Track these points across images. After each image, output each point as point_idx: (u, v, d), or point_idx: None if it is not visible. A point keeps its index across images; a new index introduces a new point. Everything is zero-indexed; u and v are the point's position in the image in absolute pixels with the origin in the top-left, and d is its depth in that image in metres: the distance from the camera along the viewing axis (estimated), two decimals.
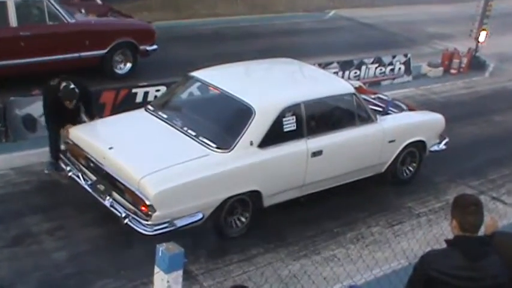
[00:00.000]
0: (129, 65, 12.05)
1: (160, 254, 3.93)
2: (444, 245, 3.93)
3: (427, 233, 7.33)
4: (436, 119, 9.16)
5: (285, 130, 7.17)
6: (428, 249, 4.06)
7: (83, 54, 11.28)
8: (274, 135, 7.09)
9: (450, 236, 3.95)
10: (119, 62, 11.94)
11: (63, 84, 7.56)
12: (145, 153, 6.85)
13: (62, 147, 7.69)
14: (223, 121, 7.40)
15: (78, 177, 7.20)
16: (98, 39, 11.46)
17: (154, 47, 12.22)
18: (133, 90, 10.08)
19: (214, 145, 6.88)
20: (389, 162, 8.49)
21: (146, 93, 10.11)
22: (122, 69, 12.05)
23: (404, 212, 8.31)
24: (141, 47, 11.97)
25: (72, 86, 7.55)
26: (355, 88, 8.36)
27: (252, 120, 6.94)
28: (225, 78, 7.93)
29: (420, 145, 8.78)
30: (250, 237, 7.17)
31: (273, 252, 7.02)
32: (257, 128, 6.98)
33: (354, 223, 7.87)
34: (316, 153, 7.42)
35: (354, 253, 7.13)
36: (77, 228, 7.09)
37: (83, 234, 6.99)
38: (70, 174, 7.28)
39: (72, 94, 7.59)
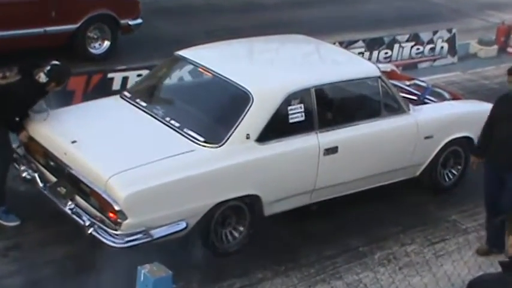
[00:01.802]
0: (106, 43, 12.17)
1: (142, 279, 3.93)
2: (499, 269, 3.91)
3: None
4: (487, 110, 9.00)
5: (291, 121, 7.20)
6: (479, 274, 4.05)
7: (48, 29, 11.34)
8: (277, 128, 7.13)
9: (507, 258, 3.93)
10: (94, 39, 12.04)
11: (51, 64, 7.47)
12: (116, 148, 6.91)
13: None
14: (214, 109, 7.46)
15: (34, 178, 7.23)
16: (67, 11, 11.48)
17: (139, 21, 12.35)
18: (109, 75, 10.15)
19: (201, 138, 6.92)
20: (426, 163, 8.52)
21: (125, 79, 10.17)
22: (97, 49, 12.14)
23: (448, 226, 8.34)
24: (122, 22, 12.08)
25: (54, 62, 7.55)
26: (386, 72, 8.37)
27: (249, 108, 6.98)
28: (217, 58, 8.01)
29: (466, 143, 8.80)
30: (255, 257, 7.20)
31: (283, 276, 7.04)
32: (255, 118, 7.02)
33: (383, 240, 7.89)
34: (330, 151, 7.44)
35: (385, 278, 7.15)
36: (37, 246, 7.10)
37: (44, 254, 6.99)
38: (25, 175, 7.31)
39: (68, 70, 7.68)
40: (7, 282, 6.63)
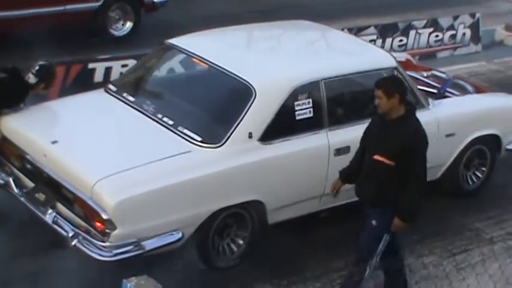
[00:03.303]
0: (129, 24, 12.69)
1: None
2: None
3: (505, 265, 7.37)
4: None
5: (298, 118, 7.24)
6: None
7: (68, 7, 11.82)
8: (282, 126, 7.18)
9: None
10: (116, 19, 12.58)
11: (40, 65, 7.61)
12: (103, 150, 6.92)
13: None
14: (211, 105, 7.49)
15: (8, 183, 7.23)
16: None
17: None
18: (90, 66, 10.23)
19: (198, 138, 6.95)
20: (448, 164, 8.59)
21: (108, 70, 10.28)
22: (119, 30, 12.67)
23: (471, 235, 8.40)
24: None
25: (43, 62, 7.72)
26: (401, 62, 8.41)
27: (252, 104, 7.02)
28: (215, 47, 8.04)
29: (492, 141, 8.88)
30: (254, 269, 7.21)
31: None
32: (258, 114, 7.06)
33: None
34: (341, 151, 7.48)
35: None
36: (8, 259, 7.03)
37: (17, 269, 6.97)
38: None
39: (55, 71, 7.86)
40: None
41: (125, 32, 12.63)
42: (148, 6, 12.60)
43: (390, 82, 6.65)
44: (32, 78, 7.52)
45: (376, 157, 6.39)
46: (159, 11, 12.93)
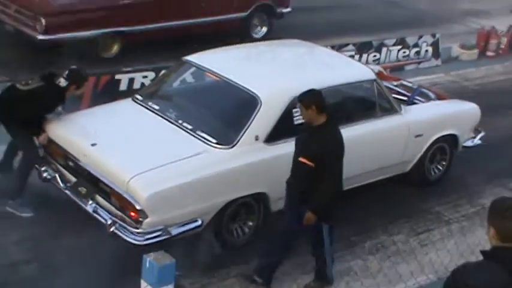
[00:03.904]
0: (264, 29, 13.99)
1: (147, 266, 3.87)
2: (481, 257, 3.89)
3: (460, 242, 7.39)
4: (470, 109, 9.23)
5: (296, 123, 7.23)
6: (461, 262, 4.07)
7: (229, 16, 13.23)
8: (283, 129, 7.15)
9: (487, 247, 3.91)
10: (256, 25, 13.85)
11: (69, 69, 7.55)
12: (135, 150, 6.90)
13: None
14: (224, 113, 7.49)
15: (54, 178, 7.23)
16: (243, 0, 13.37)
17: (289, 9, 14.13)
18: (117, 77, 10.16)
19: (214, 140, 6.96)
20: (415, 160, 8.58)
21: (131, 80, 10.19)
22: (258, 33, 13.91)
23: (432, 218, 8.39)
24: (278, 10, 13.89)
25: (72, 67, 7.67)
26: (376, 74, 8.41)
27: (258, 111, 7.04)
28: (225, 63, 8.00)
29: (451, 140, 8.88)
30: (254, 247, 7.18)
31: (283, 264, 6.99)
32: (263, 120, 7.08)
33: (373, 230, 7.94)
34: None
35: (374, 265, 7.21)
36: (50, 237, 7.10)
37: (57, 245, 6.98)
38: (45, 175, 7.29)
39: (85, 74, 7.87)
40: (22, 268, 6.68)
41: (262, 35, 13.85)
42: (278, 15, 13.91)
43: (307, 96, 6.38)
44: (62, 82, 7.46)
45: (300, 159, 6.29)
46: (286, 18, 14.19)
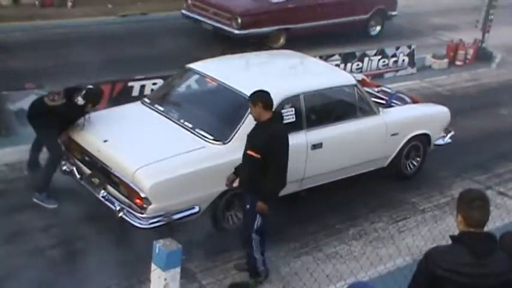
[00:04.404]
0: (379, 27, 15.68)
1: (157, 251, 3.88)
2: (450, 242, 3.91)
3: (433, 229, 7.34)
4: (441, 111, 9.17)
5: (284, 122, 7.02)
6: (433, 245, 4.05)
7: (357, 17, 15.00)
8: None
9: (456, 232, 3.93)
10: (372, 25, 15.52)
11: (86, 89, 7.46)
12: (141, 146, 6.87)
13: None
14: (220, 113, 7.41)
15: (72, 171, 7.22)
16: (367, 5, 15.16)
17: (395, 12, 15.91)
18: (130, 84, 10.06)
19: (211, 137, 6.90)
20: (393, 156, 8.49)
21: (143, 87, 10.10)
22: (374, 31, 15.63)
23: (409, 207, 8.31)
24: (389, 13, 15.72)
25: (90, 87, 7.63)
26: (358, 81, 8.34)
27: (250, 111, 6.84)
28: (222, 69, 7.94)
29: (424, 138, 8.78)
30: None
31: (274, 249, 6.97)
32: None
33: (356, 219, 7.87)
34: (316, 146, 7.41)
35: (357, 250, 7.18)
36: (71, 225, 7.05)
37: (78, 231, 6.96)
38: (65, 168, 7.30)
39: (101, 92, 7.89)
40: (48, 253, 6.66)
41: (376, 33, 15.62)
42: (388, 17, 15.75)
43: (255, 94, 6.20)
44: (80, 101, 7.33)
45: (249, 152, 6.13)
46: (394, 20, 16.03)
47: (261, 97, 6.17)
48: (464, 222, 3.81)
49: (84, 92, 7.38)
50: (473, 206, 3.79)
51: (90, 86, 7.62)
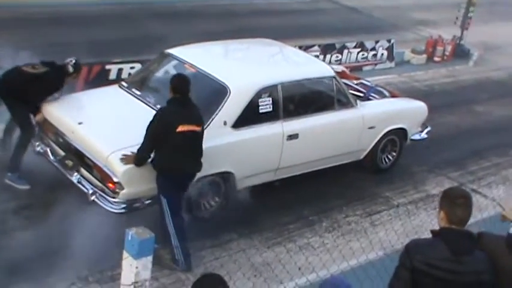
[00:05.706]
0: None
1: (129, 239, 3.83)
2: (424, 236, 3.96)
3: (406, 224, 7.35)
4: (419, 107, 9.18)
5: (261, 111, 7.13)
6: (407, 241, 4.03)
7: None
8: (249, 116, 7.05)
9: (430, 228, 3.99)
10: None
11: (71, 60, 7.51)
12: (116, 130, 6.78)
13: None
14: (198, 100, 7.10)
15: (46, 152, 7.13)
16: None
17: None
18: (107, 67, 9.97)
19: None
20: (369, 149, 8.49)
21: (120, 70, 10.02)
22: None
23: (382, 201, 8.32)
24: None
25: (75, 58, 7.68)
26: (338, 73, 8.31)
27: (227, 99, 6.90)
28: (201, 56, 7.87)
29: (401, 133, 8.79)
30: (224, 222, 7.10)
31: (247, 239, 6.98)
32: (231, 107, 6.94)
33: (330, 211, 7.86)
34: (292, 137, 7.39)
35: (330, 242, 7.15)
36: (44, 207, 6.91)
37: (50, 215, 6.79)
38: (38, 149, 7.20)
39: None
40: (19, 235, 6.55)
41: None
42: None
43: (171, 79, 6.45)
44: (70, 69, 7.43)
45: None
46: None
47: (172, 81, 6.37)
48: (446, 219, 3.84)
49: (73, 61, 7.47)
50: (457, 203, 3.82)
51: (75, 58, 7.59)
